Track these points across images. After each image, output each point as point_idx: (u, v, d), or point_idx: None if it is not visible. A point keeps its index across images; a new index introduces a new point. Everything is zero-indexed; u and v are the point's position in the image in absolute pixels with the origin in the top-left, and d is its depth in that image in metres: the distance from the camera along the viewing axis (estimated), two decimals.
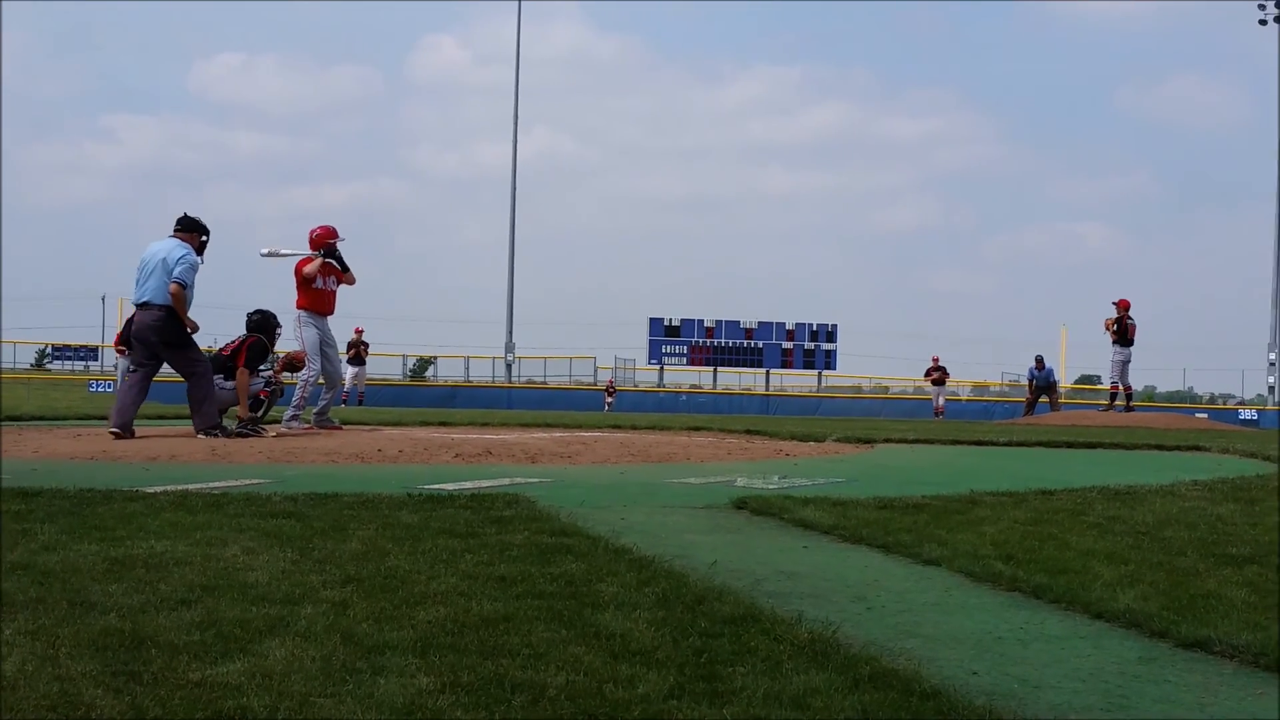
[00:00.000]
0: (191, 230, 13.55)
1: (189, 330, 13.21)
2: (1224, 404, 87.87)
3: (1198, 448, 14.66)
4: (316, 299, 15.22)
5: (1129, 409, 27.43)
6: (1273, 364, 61.63)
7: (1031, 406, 36.35)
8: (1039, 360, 36.44)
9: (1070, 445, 14.80)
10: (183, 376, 13.37)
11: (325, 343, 15.30)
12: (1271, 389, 62.82)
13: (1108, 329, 27.02)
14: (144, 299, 13.13)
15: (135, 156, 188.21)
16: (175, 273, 13.00)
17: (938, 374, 45.40)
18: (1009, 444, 14.99)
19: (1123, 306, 26.73)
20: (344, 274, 15.41)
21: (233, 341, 14.17)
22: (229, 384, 13.41)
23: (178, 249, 13.22)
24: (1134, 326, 26.92)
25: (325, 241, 15.33)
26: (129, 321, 13.48)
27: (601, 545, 5.47)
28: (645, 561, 5.06)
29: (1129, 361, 26.99)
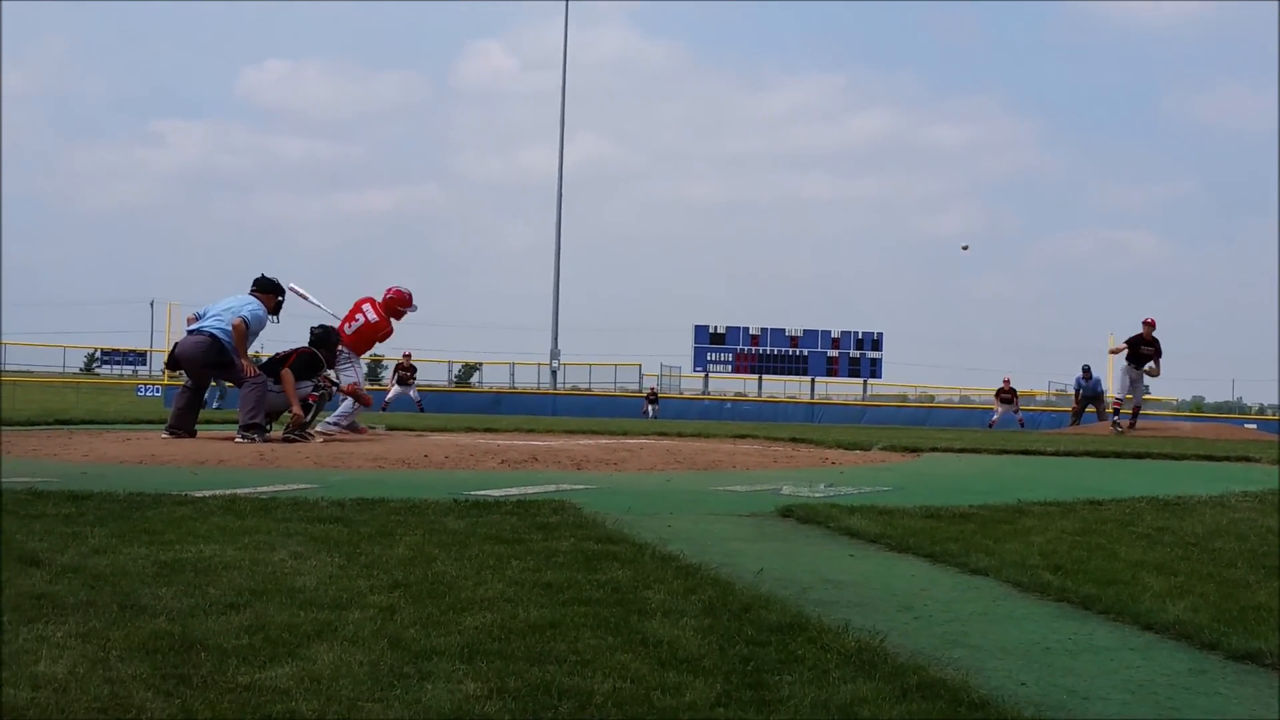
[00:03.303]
0: (268, 291, 13.82)
1: (242, 369, 13.31)
2: (1274, 414, 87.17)
3: (1247, 458, 14.55)
4: (366, 346, 15.74)
5: (1130, 424, 26.38)
6: None
7: (1078, 416, 35.98)
8: (1086, 370, 36.14)
9: (1118, 455, 14.76)
10: (236, 385, 13.53)
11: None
12: None
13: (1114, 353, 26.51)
14: (198, 328, 13.32)
15: (183, 161, 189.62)
16: (243, 313, 13.23)
17: (1008, 394, 45.23)
18: (1056, 454, 14.93)
19: (1148, 325, 26.08)
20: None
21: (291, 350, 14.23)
22: (276, 387, 13.46)
23: (251, 302, 13.47)
24: (1150, 350, 25.98)
25: (398, 309, 15.57)
26: (174, 348, 13.69)
27: (648, 552, 5.47)
28: (691, 569, 5.06)
29: (1138, 381, 26.29)
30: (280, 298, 13.95)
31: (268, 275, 13.96)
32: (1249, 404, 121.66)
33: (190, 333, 13.61)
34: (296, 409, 13.35)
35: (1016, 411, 44.79)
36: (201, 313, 13.65)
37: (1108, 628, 4.42)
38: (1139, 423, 26.14)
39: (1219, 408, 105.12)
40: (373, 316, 15.33)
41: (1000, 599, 4.94)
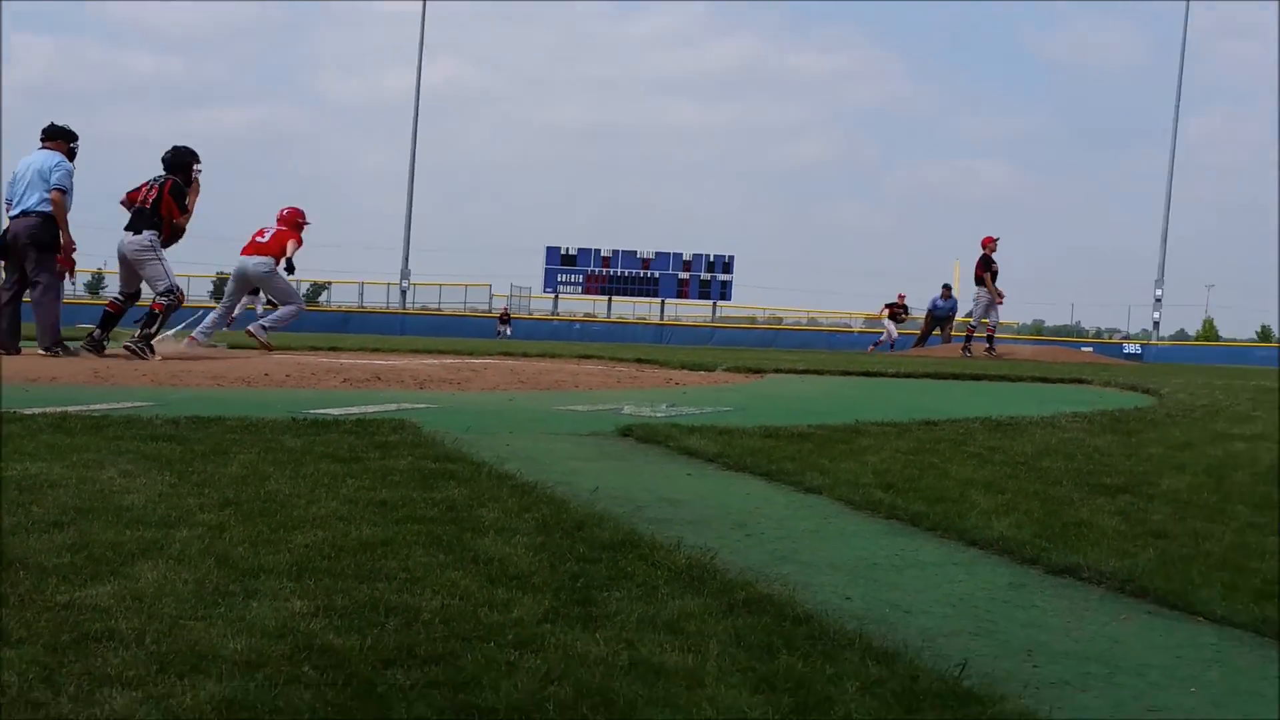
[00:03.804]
0: (59, 138, 13.35)
1: (66, 244, 12.99)
2: (1110, 338, 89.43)
3: (1080, 380, 14.91)
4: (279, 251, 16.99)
5: (989, 348, 26.64)
6: (1158, 300, 62.84)
7: (924, 339, 35.97)
8: (946, 289, 35.60)
9: (956, 377, 15.01)
10: (31, 284, 13.12)
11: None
12: (1156, 324, 64.14)
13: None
14: (22, 209, 12.93)
15: (27, 76, 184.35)
16: (53, 180, 12.83)
17: (900, 310, 44.07)
18: (897, 375, 15.14)
19: (985, 245, 26.26)
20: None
21: (145, 185, 13.85)
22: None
23: (51, 158, 13.02)
24: (980, 266, 26.14)
25: (298, 221, 17.49)
26: (4, 233, 13.30)
27: (485, 471, 5.46)
28: (528, 487, 5.06)
29: (992, 305, 26.62)
30: (74, 144, 13.57)
31: (57, 123, 13.52)
32: (1086, 328, 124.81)
33: (13, 218, 13.23)
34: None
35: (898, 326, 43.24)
36: (11, 195, 13.26)
37: (934, 544, 4.51)
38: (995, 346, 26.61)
39: (1059, 331, 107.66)
40: (282, 227, 17.19)
41: (832, 516, 5.01)
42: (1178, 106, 64.77)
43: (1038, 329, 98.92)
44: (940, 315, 35.65)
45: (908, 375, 15.07)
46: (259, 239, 16.94)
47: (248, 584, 3.32)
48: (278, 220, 17.35)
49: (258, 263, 16.71)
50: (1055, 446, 7.16)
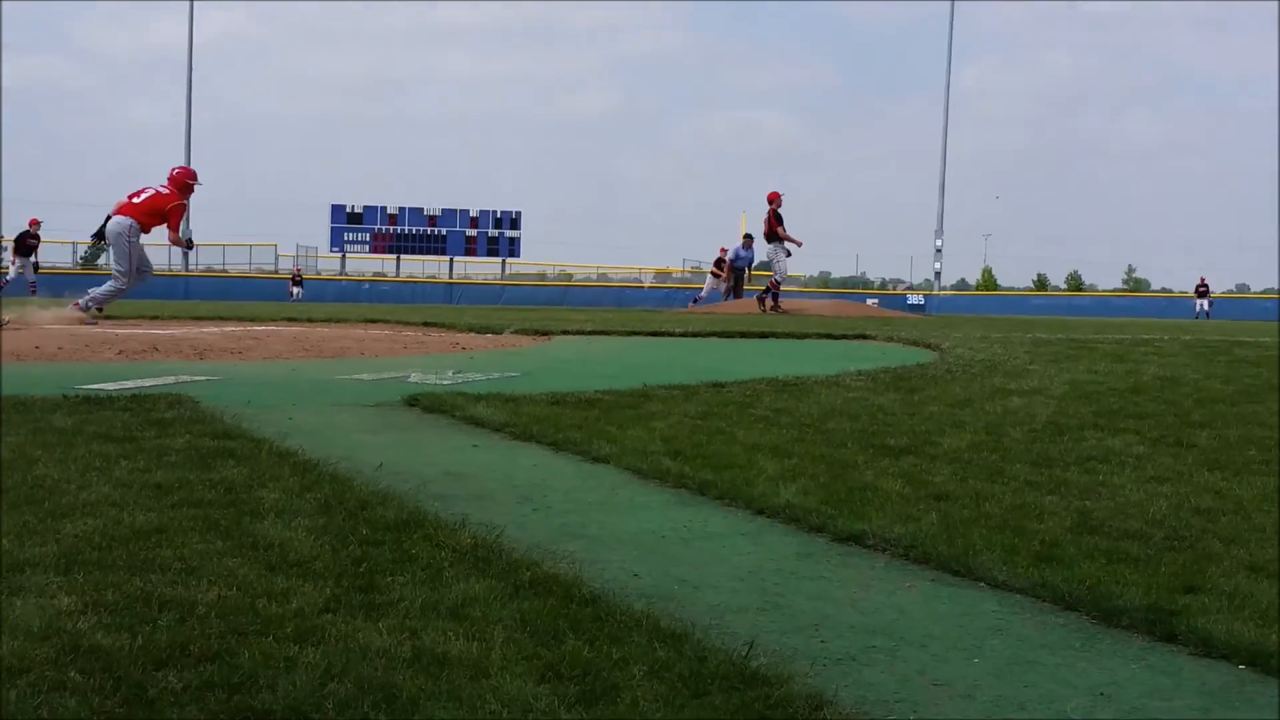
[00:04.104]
0: None
1: None
2: (894, 289, 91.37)
3: (864, 336, 15.14)
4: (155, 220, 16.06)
5: (775, 303, 26.78)
6: (939, 251, 64.40)
7: (733, 291, 34.95)
8: (747, 239, 34.56)
9: (744, 335, 15.10)
10: None
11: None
12: (937, 274, 65.74)
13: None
14: None
15: None
16: None
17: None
18: (685, 334, 15.16)
19: (772, 200, 26.32)
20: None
21: None
22: None
23: None
24: (768, 221, 26.21)
25: (187, 182, 16.37)
26: None
27: (265, 448, 5.32)
28: (310, 465, 4.95)
29: (782, 259, 26.70)
30: None
31: None
32: (872, 279, 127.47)
33: None
34: None
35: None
36: None
37: (722, 514, 4.52)
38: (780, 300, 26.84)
39: (845, 283, 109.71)
40: (164, 190, 15.97)
41: (620, 487, 5.00)
42: (949, 57, 66.39)
43: (824, 281, 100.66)
44: (741, 266, 35.35)
45: (695, 334, 15.11)
46: (134, 199, 15.88)
47: (12, 580, 3.18)
48: (168, 180, 16.19)
49: (116, 222, 15.68)
50: (840, 407, 7.24)
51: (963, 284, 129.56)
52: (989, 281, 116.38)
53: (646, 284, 64.85)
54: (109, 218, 15.72)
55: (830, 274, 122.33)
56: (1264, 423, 6.88)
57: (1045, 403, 7.60)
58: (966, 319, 32.80)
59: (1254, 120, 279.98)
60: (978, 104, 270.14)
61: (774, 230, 26.20)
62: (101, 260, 14.94)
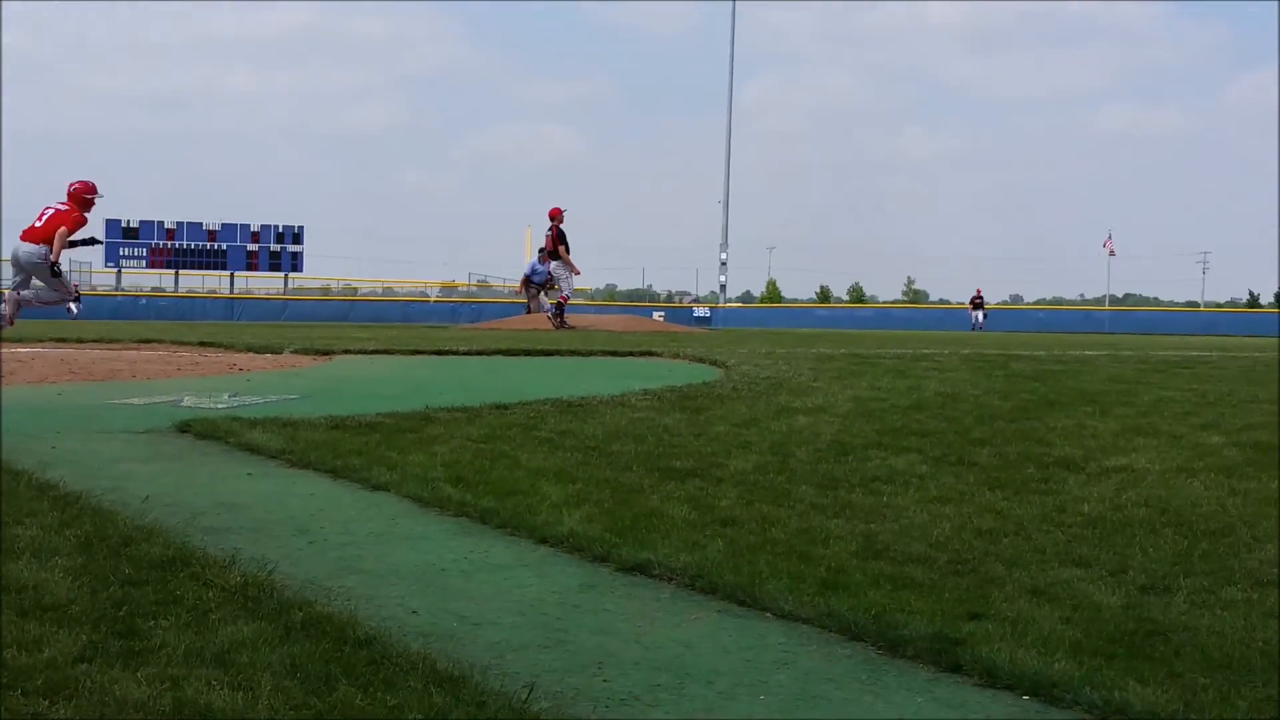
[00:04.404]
0: None
1: None
2: (680, 301, 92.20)
3: (650, 353, 15.15)
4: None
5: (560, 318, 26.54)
6: (723, 264, 65.24)
7: (531, 306, 34.62)
8: (542, 254, 34.46)
9: (528, 353, 14.96)
10: None
11: None
12: (723, 287, 66.63)
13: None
14: None
15: None
16: None
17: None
18: (469, 353, 14.98)
19: (554, 215, 26.11)
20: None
21: None
22: None
23: None
24: (550, 238, 26.02)
25: (85, 197, 15.44)
26: None
27: (24, 481, 5.06)
28: (71, 498, 4.71)
29: (566, 276, 26.49)
30: None
31: None
32: (658, 291, 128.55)
33: None
34: None
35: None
36: None
37: (504, 543, 4.41)
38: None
39: (632, 295, 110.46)
40: (63, 207, 15.21)
41: (400, 516, 4.86)
42: (731, 71, 67.68)
43: (611, 294, 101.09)
44: (539, 281, 35.11)
45: (480, 353, 14.95)
46: (37, 223, 15.18)
47: None
48: (67, 196, 15.48)
49: (29, 252, 15.03)
50: (626, 428, 7.18)
51: (748, 296, 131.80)
52: (774, 294, 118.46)
53: (433, 298, 64.27)
54: (15, 252, 15.08)
55: (617, 286, 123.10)
56: (1041, 439, 7.00)
57: (830, 421, 7.64)
58: (752, 333, 33.22)
59: (1030, 137, 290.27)
60: (761, 120, 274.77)
61: (556, 248, 26.11)
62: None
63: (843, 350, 16.07)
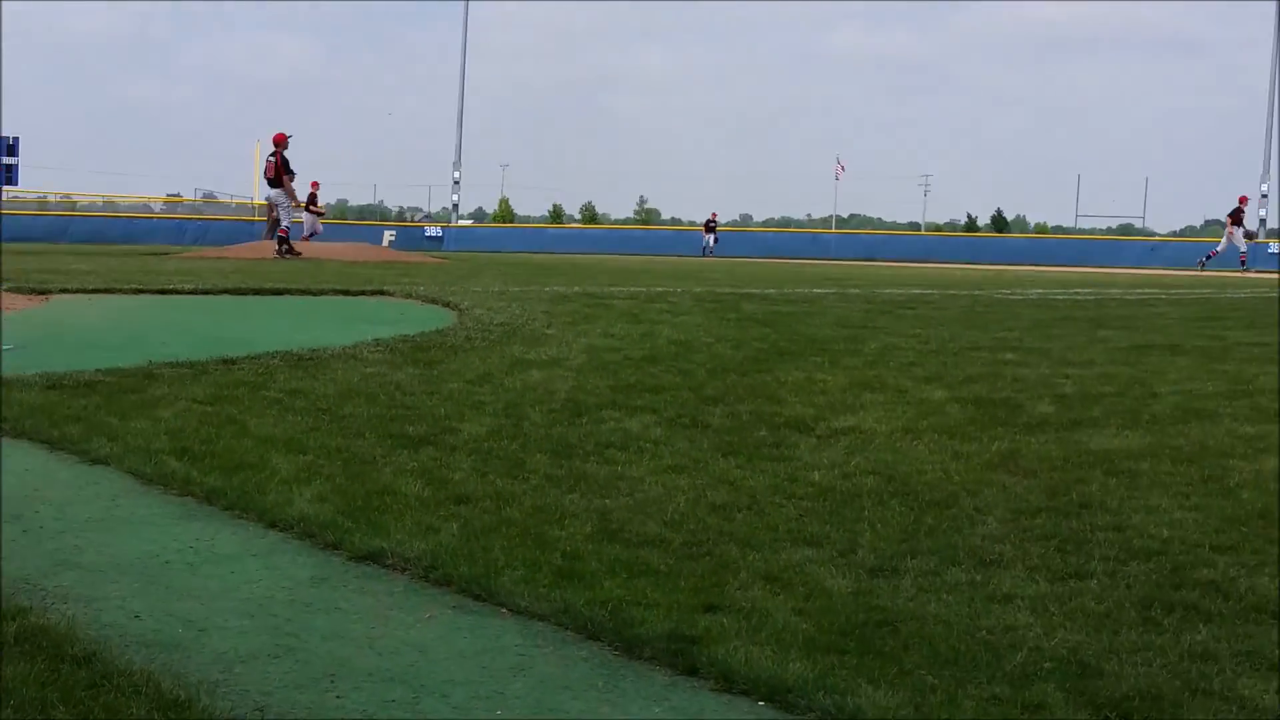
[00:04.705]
0: None
1: None
2: (412, 219, 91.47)
3: (382, 292, 14.76)
4: None
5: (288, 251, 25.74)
6: (456, 183, 64.91)
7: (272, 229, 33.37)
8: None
9: (257, 293, 14.37)
10: None
11: None
12: (455, 207, 66.42)
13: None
14: None
15: None
16: None
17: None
18: (194, 292, 14.13)
19: (278, 141, 25.29)
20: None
21: None
22: None
23: None
24: (272, 165, 25.39)
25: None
26: None
27: None
28: None
29: (280, 203, 25.72)
30: None
31: None
32: (390, 208, 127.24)
33: None
34: None
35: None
36: None
37: (232, 528, 4.28)
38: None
39: (363, 212, 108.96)
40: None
41: (121, 496, 4.67)
42: None
43: (342, 211, 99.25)
44: (279, 203, 33.80)
45: (206, 292, 14.18)
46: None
47: None
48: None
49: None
50: (358, 386, 7.01)
51: (480, 213, 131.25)
52: (506, 212, 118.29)
53: (156, 212, 62.40)
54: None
55: (348, 202, 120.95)
56: (772, 395, 7.10)
57: (564, 376, 7.60)
58: (486, 259, 33.05)
59: (768, 57, 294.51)
60: (498, 34, 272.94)
61: (280, 176, 25.38)
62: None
63: (576, 289, 16.04)
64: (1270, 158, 63.52)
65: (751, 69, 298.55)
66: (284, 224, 25.98)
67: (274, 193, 25.77)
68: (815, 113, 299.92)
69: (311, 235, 39.67)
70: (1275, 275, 31.55)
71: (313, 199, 41.08)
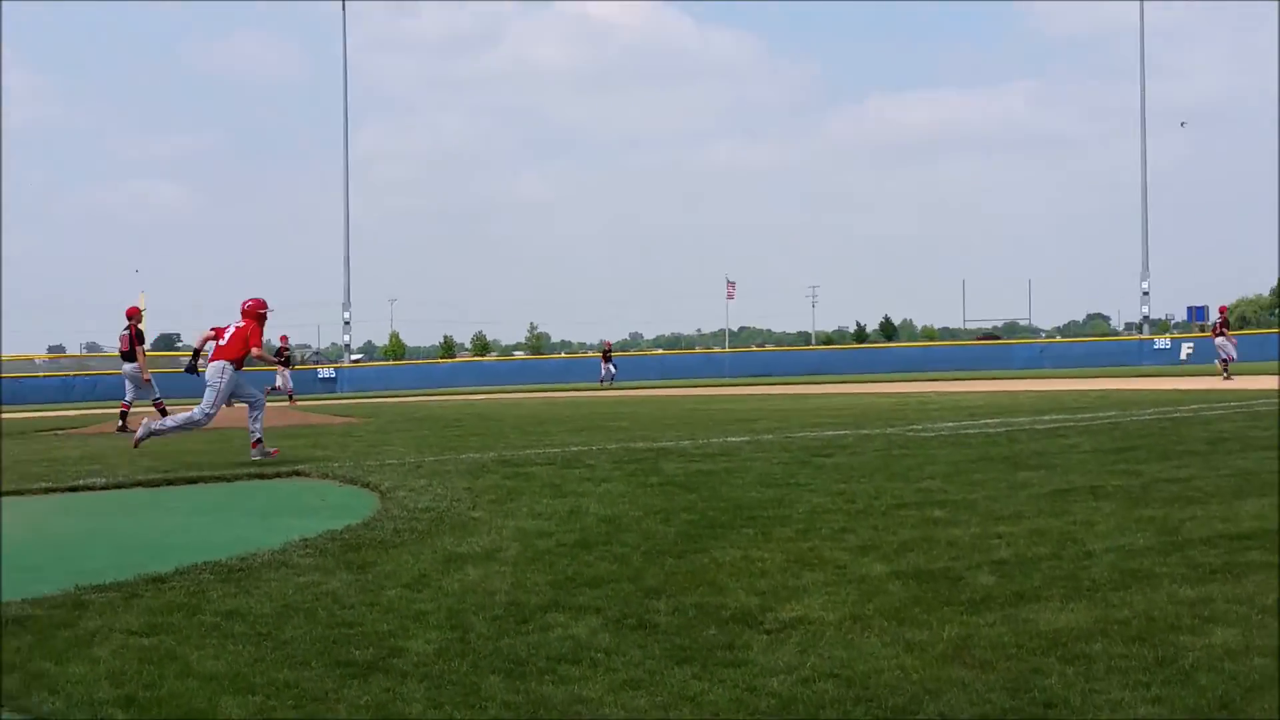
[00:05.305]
0: None
1: None
2: (303, 359, 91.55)
3: (298, 474, 14.43)
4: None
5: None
6: (347, 323, 65.00)
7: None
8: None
9: (170, 483, 13.86)
10: None
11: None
12: (347, 345, 66.71)
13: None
14: None
15: None
16: None
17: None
18: (105, 487, 13.65)
19: (131, 314, 24.77)
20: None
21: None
22: None
23: None
24: (125, 339, 25.14)
25: (259, 312, 17.24)
26: None
27: None
28: None
29: (140, 381, 25.18)
30: None
31: None
32: (277, 345, 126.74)
33: None
34: None
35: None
36: None
37: None
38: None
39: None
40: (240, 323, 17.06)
41: None
42: (346, 119, 68.06)
43: None
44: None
45: (119, 485, 13.55)
46: (219, 341, 16.96)
47: None
48: (241, 313, 17.21)
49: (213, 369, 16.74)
50: (295, 601, 6.82)
51: (370, 347, 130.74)
52: (397, 347, 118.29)
53: (41, 373, 62.01)
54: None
55: None
56: (712, 582, 7.06)
57: (501, 573, 7.47)
58: (389, 410, 32.91)
59: (647, 177, 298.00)
60: (376, 169, 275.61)
61: (133, 349, 24.89)
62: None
63: (491, 455, 15.91)
64: (1148, 255, 65.51)
65: (626, 188, 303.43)
66: (128, 398, 25.57)
67: (128, 367, 25.26)
68: (698, 227, 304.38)
69: (290, 396, 40.65)
70: (1190, 385, 32.36)
71: (281, 354, 42.01)
